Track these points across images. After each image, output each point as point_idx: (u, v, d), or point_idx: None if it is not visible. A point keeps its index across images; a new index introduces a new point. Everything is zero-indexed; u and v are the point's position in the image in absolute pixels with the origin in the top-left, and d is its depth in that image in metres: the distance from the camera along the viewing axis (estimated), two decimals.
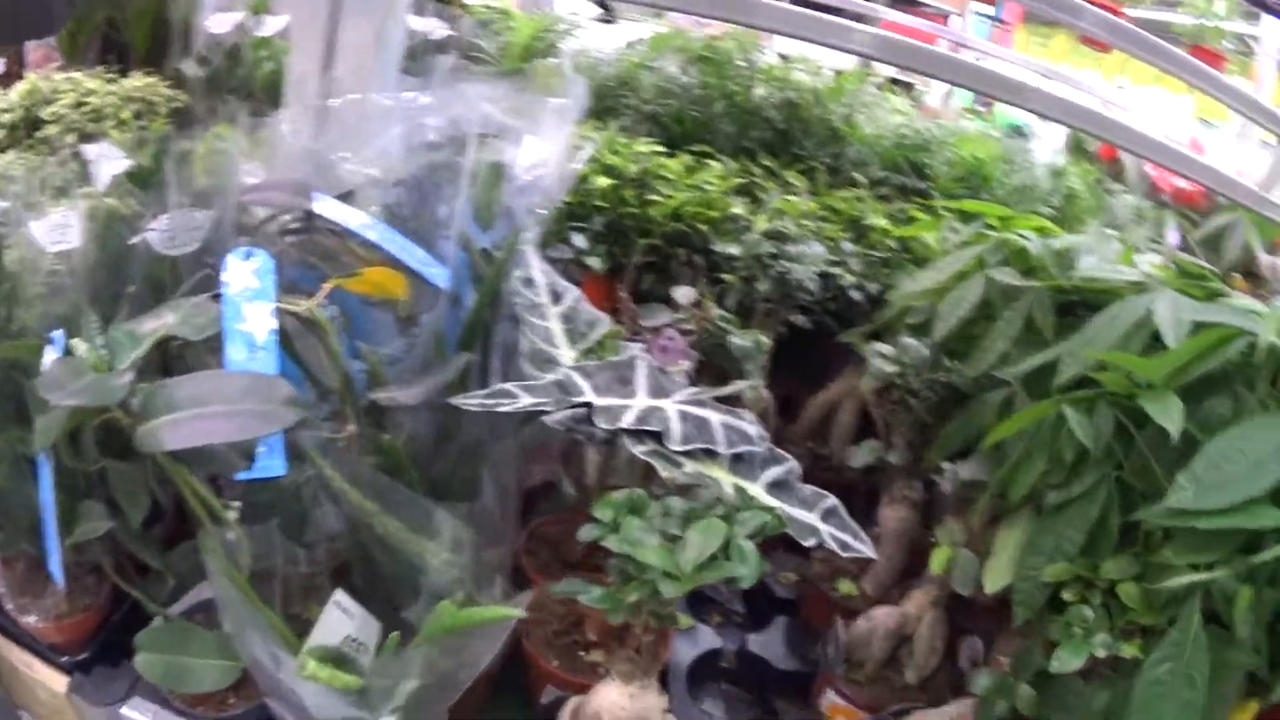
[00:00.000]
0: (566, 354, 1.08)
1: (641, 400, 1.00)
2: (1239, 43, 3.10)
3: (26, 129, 1.36)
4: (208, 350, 0.91)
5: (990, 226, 1.34)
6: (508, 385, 0.99)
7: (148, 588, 1.05)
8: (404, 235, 1.05)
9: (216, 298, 0.91)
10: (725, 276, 1.45)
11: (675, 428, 0.96)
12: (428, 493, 0.97)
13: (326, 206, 1.01)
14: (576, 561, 1.21)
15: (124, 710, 1.05)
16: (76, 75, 1.42)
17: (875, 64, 2.16)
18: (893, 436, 1.33)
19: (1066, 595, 0.99)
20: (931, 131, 1.89)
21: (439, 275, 1.06)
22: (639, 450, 0.94)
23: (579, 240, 1.43)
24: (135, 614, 1.07)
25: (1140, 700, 0.92)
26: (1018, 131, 2.31)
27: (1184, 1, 3.43)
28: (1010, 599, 1.04)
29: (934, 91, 2.70)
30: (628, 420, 0.95)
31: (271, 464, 0.89)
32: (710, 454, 0.96)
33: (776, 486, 0.98)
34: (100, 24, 1.71)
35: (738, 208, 1.52)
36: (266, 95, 1.56)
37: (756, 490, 0.96)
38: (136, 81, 1.44)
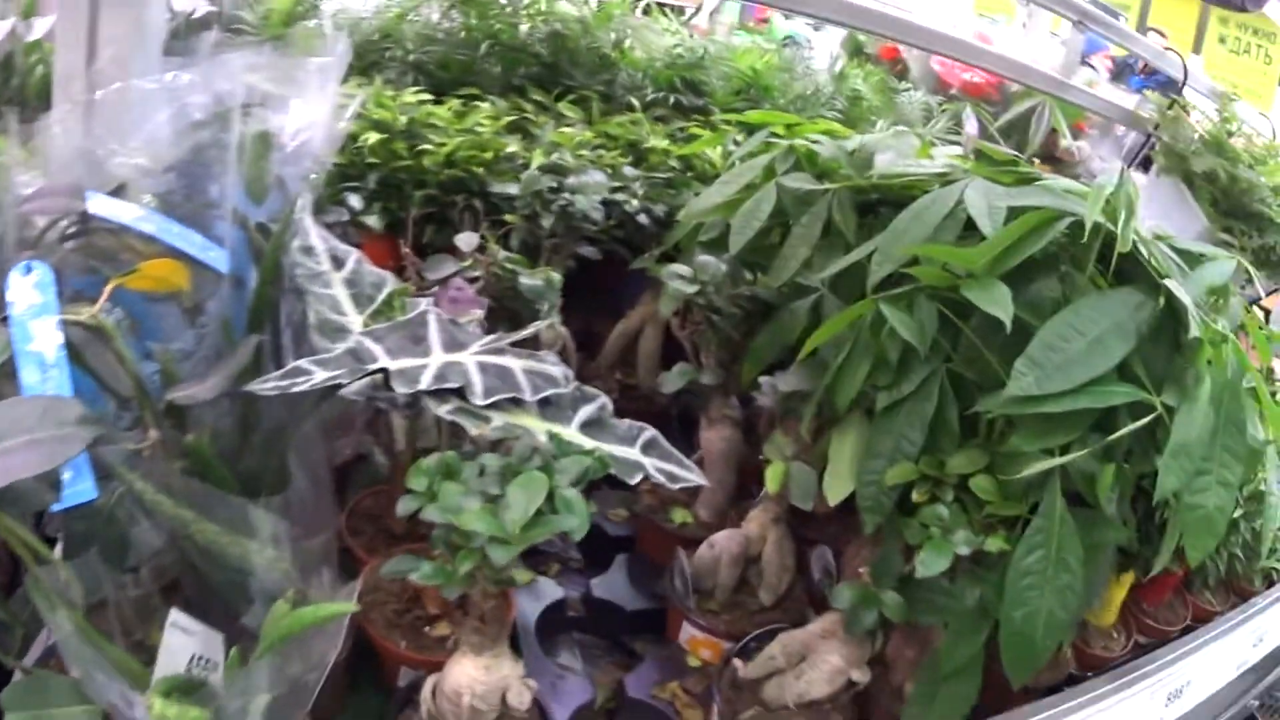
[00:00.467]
0: (355, 320, 1.04)
1: (438, 357, 0.96)
2: None
3: None
4: (4, 378, 0.84)
5: (776, 135, 1.33)
6: (301, 362, 0.94)
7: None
8: (180, 222, 1.00)
9: (4, 320, 0.84)
10: (507, 217, 1.43)
11: (476, 381, 0.93)
12: (241, 490, 0.93)
13: (99, 204, 0.96)
14: (404, 533, 1.16)
15: None
16: None
17: None
18: (702, 357, 1.32)
19: (916, 496, 0.98)
20: (705, 49, 1.89)
21: (218, 258, 1.01)
22: (443, 410, 0.90)
23: (354, 200, 1.39)
24: None
25: (1014, 591, 0.92)
26: (793, 41, 2.34)
27: None
28: (854, 506, 1.02)
29: (703, 11, 2.69)
30: (426, 380, 0.92)
31: (81, 489, 0.82)
32: (517, 402, 0.93)
33: (591, 425, 0.95)
34: None
35: (512, 146, 1.51)
36: (41, 100, 1.43)
37: (571, 433, 0.93)
38: None
